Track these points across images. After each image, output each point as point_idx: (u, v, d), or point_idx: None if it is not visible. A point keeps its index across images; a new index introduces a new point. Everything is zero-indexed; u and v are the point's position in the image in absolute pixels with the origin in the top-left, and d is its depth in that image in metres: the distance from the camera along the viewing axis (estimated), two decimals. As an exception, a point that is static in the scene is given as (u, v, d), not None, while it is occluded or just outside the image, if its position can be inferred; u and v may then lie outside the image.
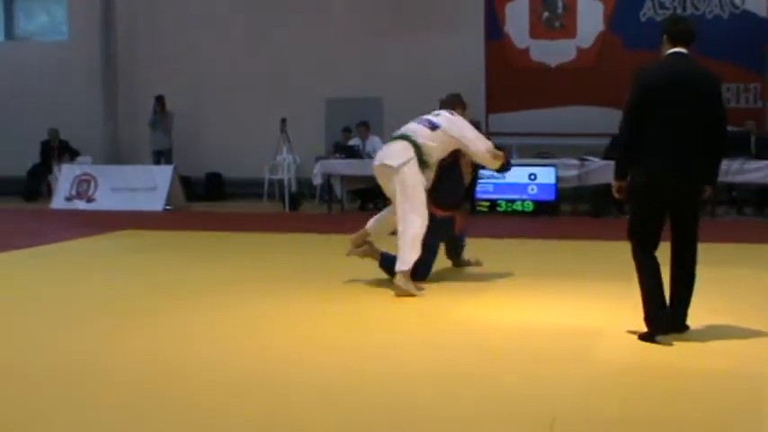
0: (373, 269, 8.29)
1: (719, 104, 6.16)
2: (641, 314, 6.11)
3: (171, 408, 4.77)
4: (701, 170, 6.05)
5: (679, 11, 16.18)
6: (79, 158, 18.39)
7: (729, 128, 16.81)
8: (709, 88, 6.07)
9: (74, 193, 16.84)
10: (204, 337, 6.39)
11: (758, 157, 14.26)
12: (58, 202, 16.79)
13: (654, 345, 5.95)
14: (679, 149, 5.90)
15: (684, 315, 6.12)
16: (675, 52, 6.05)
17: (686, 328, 6.13)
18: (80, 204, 16.59)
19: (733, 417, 4.63)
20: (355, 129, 16.65)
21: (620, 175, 6.12)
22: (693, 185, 6.05)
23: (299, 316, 7.05)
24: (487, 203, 14.68)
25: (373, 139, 16.49)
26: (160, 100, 18.45)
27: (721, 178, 14.66)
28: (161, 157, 18.46)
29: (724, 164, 13.51)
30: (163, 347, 6.07)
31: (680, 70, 6.00)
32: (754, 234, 12.08)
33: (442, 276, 8.68)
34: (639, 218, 6.10)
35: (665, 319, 5.99)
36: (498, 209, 14.68)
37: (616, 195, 6.19)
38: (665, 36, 6.10)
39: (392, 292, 7.72)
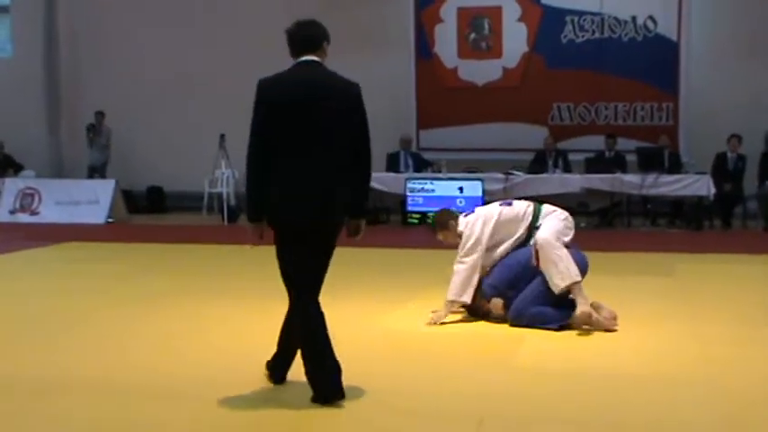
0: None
1: (361, 120, 4.86)
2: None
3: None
4: (342, 201, 4.79)
5: (597, 34, 16.42)
6: (23, 172, 18.04)
7: (645, 144, 16.96)
8: (346, 102, 4.82)
9: (18, 206, 16.52)
10: (130, 342, 6.30)
11: (671, 171, 14.51)
12: (1, 216, 16.44)
13: (572, 348, 6.01)
14: (309, 177, 4.70)
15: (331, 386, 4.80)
16: (302, 61, 4.89)
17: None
18: (24, 218, 16.27)
19: (647, 417, 4.69)
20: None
21: (252, 215, 4.81)
22: (328, 221, 4.78)
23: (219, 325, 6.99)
24: (418, 215, 14.71)
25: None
26: (96, 116, 18.18)
27: (636, 192, 14.69)
28: (95, 172, 18.11)
29: (639, 178, 14.02)
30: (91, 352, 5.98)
31: (308, 81, 4.82)
32: (667, 244, 12.25)
33: (370, 287, 8.68)
34: (284, 258, 4.83)
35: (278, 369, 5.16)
36: (429, 221, 14.65)
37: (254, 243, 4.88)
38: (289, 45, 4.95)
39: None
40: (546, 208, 6.92)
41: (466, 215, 7.10)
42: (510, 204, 7.00)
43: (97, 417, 4.68)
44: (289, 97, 4.76)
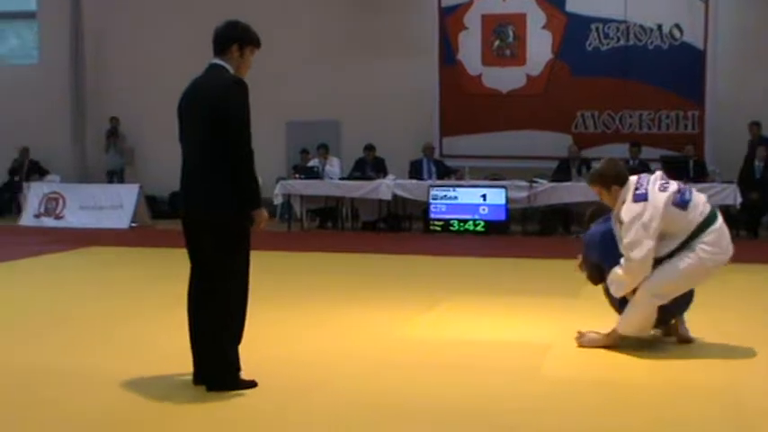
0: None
1: (227, 117, 4.96)
2: (586, 328, 6.15)
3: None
4: (211, 194, 5.04)
5: (622, 41, 16.34)
6: (48, 177, 18.17)
7: (669, 152, 16.76)
8: (211, 101, 5.00)
9: (42, 210, 16.60)
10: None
11: (696, 180, 14.38)
12: (27, 220, 16.53)
13: (599, 358, 5.94)
14: (186, 171, 5.22)
15: (205, 372, 5.11)
16: (208, 64, 5.26)
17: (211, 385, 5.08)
18: (48, 222, 16.35)
19: (675, 427, 4.62)
20: (315, 151, 16.60)
21: None
22: (193, 213, 5.14)
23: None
24: (441, 223, 14.66)
25: (332, 161, 16.44)
26: (111, 121, 18.50)
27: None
28: (114, 176, 18.38)
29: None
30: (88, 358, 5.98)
31: (194, 84, 5.24)
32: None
33: (393, 295, 8.63)
34: None
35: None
36: (451, 228, 14.65)
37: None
38: None
39: (346, 313, 7.67)
40: (712, 231, 6.17)
41: (635, 198, 6.01)
42: (685, 207, 6.02)
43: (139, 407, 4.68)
44: (181, 101, 5.25)
